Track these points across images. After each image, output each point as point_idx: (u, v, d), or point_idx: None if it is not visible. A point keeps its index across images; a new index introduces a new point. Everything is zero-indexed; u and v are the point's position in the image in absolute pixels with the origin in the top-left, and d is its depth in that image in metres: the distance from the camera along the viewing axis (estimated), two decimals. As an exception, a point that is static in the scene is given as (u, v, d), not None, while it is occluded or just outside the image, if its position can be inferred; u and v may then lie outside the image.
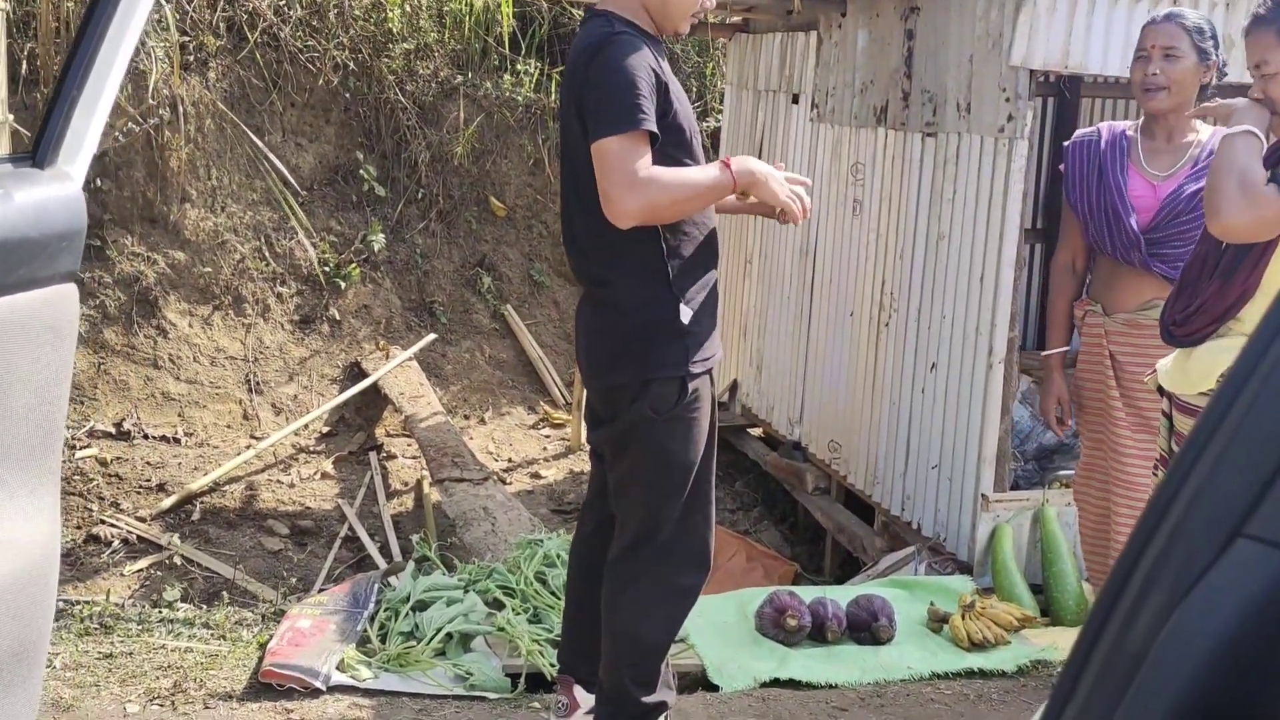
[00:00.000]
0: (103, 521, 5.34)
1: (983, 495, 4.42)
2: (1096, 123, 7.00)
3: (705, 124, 7.93)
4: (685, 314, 2.79)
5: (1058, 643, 3.98)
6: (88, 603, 4.24)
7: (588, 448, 3.35)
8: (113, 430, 6.01)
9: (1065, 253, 3.78)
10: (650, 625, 2.97)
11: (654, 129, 2.66)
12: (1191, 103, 3.31)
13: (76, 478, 5.59)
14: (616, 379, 2.88)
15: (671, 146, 2.79)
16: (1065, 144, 3.55)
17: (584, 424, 3.29)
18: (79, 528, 5.30)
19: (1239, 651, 0.61)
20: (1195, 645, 0.61)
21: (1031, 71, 4.24)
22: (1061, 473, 5.06)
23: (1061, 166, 3.67)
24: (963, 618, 3.97)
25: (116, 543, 5.22)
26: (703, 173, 2.76)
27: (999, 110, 4.33)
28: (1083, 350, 3.77)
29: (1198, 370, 2.80)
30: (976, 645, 3.90)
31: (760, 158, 6.27)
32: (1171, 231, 3.28)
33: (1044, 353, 3.88)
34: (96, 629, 3.88)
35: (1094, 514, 3.75)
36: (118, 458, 5.83)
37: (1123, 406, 3.57)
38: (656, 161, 2.71)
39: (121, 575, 5.01)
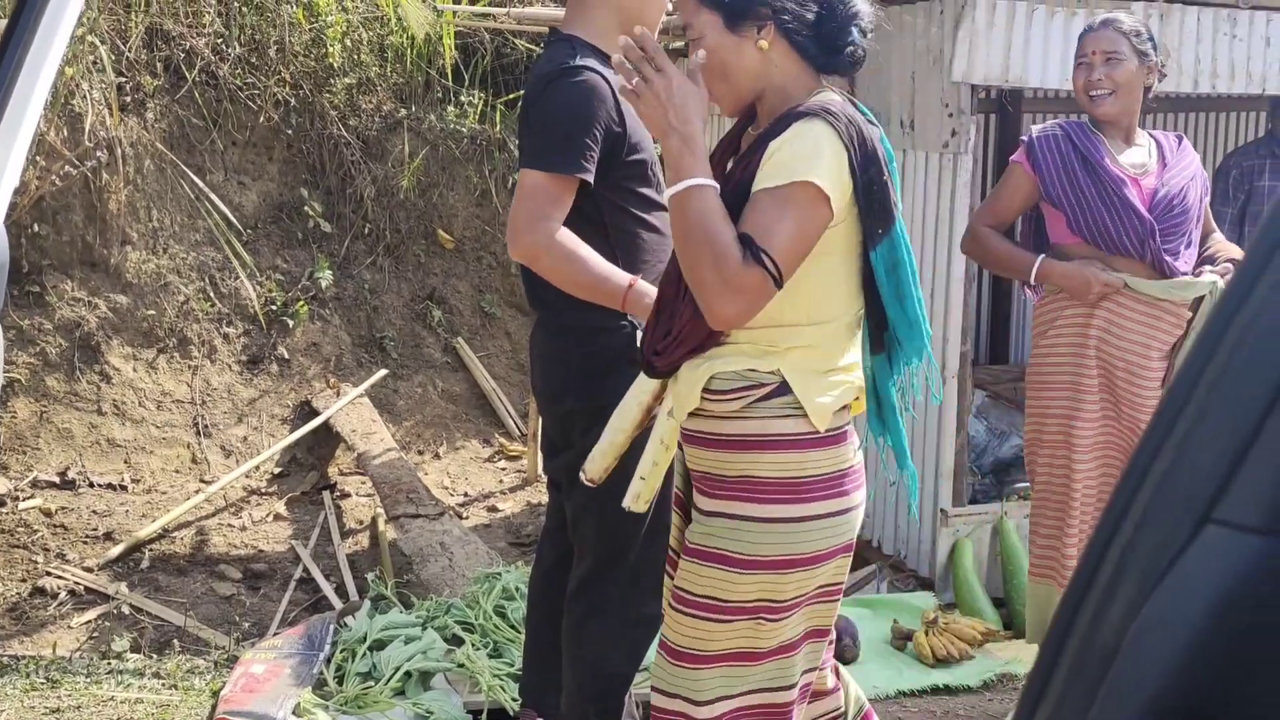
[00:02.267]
0: (48, 573, 5.21)
1: (941, 511, 4.41)
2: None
3: (656, 147, 7.93)
4: (639, 339, 2.76)
5: (1022, 655, 3.96)
6: (33, 658, 4.12)
7: (545, 479, 3.31)
8: (57, 480, 5.88)
9: (986, 218, 3.62)
10: (612, 655, 2.92)
11: (588, 178, 2.63)
12: (1138, 106, 3.35)
13: (20, 529, 5.46)
14: (570, 404, 2.84)
15: (631, 181, 2.77)
16: (1025, 137, 3.54)
17: (541, 454, 3.25)
18: (24, 580, 5.17)
19: (1214, 641, 0.58)
20: (1169, 637, 0.58)
21: (973, 87, 4.26)
22: (1019, 485, 5.06)
23: (1017, 159, 3.53)
24: (926, 634, 3.95)
25: (63, 594, 5.09)
26: (605, 271, 2.65)
27: (942, 126, 4.35)
28: (1057, 342, 3.54)
29: (682, 394, 2.29)
30: (941, 661, 3.89)
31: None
32: (1168, 225, 3.30)
33: (1036, 269, 3.45)
34: (43, 683, 3.78)
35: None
36: (63, 507, 5.70)
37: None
38: (613, 197, 2.69)
39: (69, 628, 4.89)
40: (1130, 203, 3.29)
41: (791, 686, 2.29)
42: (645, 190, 2.82)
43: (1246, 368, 0.60)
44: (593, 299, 2.68)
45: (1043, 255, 3.46)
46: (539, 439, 3.25)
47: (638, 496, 2.54)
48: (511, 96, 7.88)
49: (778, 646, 2.25)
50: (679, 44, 6.43)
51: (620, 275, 2.68)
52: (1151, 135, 3.48)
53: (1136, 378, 3.37)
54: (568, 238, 2.63)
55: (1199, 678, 0.59)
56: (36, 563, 5.30)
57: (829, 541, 2.22)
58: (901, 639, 4.02)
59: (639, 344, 2.72)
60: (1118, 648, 0.59)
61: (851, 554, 2.33)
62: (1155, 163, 3.37)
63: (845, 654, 3.85)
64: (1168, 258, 3.31)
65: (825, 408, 2.21)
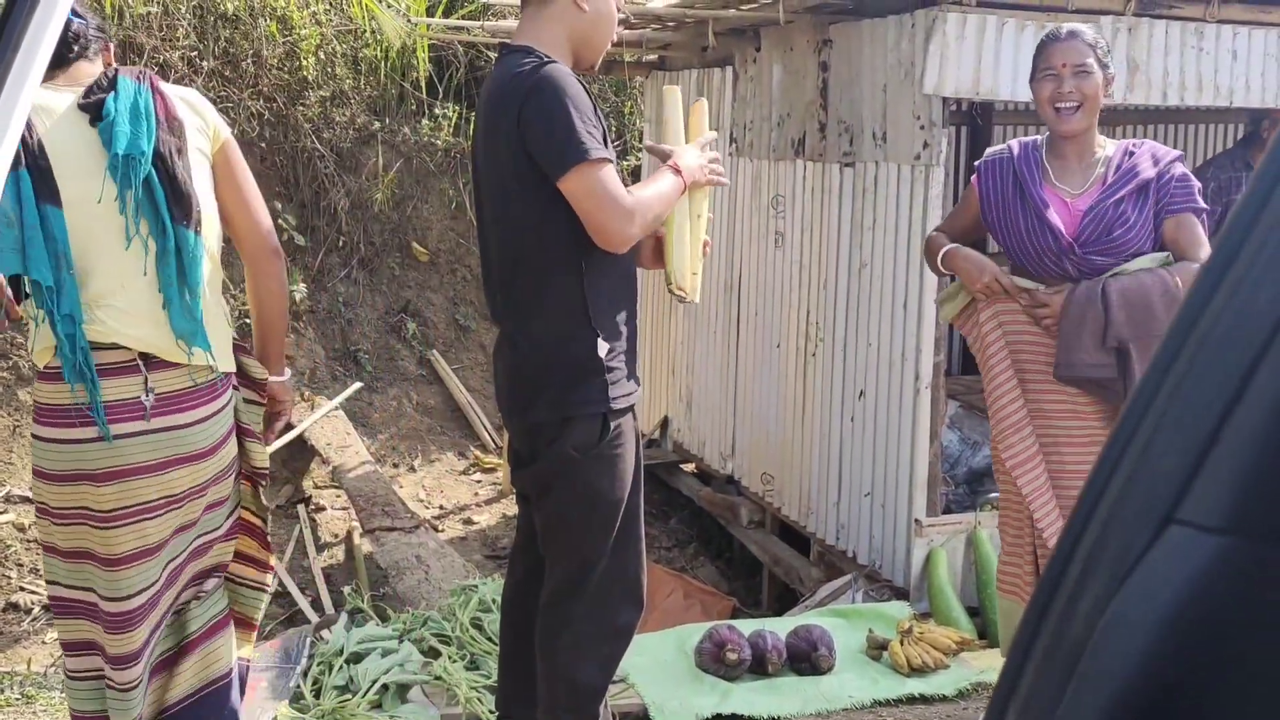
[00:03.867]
0: (22, 588, 5.18)
1: (916, 521, 4.44)
2: (1009, 149, 7.14)
3: (625, 163, 7.96)
4: (603, 348, 2.77)
5: (997, 664, 3.98)
6: (7, 673, 4.09)
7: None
8: (30, 494, 5.84)
9: (940, 230, 3.65)
10: (586, 667, 2.93)
11: (606, 155, 2.67)
12: (1096, 119, 3.34)
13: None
14: (535, 417, 2.84)
15: None
16: (977, 163, 3.55)
17: (509, 466, 3.25)
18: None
19: (1177, 637, 0.60)
20: (1134, 633, 0.60)
21: (944, 99, 4.30)
22: (992, 495, 5.09)
23: (973, 180, 3.57)
24: (901, 643, 3.97)
25: (37, 609, 5.06)
26: (665, 183, 2.79)
27: (914, 138, 4.39)
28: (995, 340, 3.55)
29: None
30: (916, 670, 3.90)
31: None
32: (1102, 245, 3.28)
33: (942, 254, 3.45)
34: (18, 699, 3.75)
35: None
36: (36, 522, 5.66)
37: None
38: None
39: (43, 643, 4.86)
40: (1048, 223, 3.29)
41: (118, 599, 2.61)
42: None
43: (1206, 372, 0.62)
44: (667, 210, 2.82)
45: (955, 244, 3.47)
46: (508, 451, 3.25)
47: (698, 289, 2.92)
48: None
49: (70, 550, 2.65)
50: (651, 57, 6.48)
51: (669, 174, 2.80)
52: (1116, 146, 3.42)
53: (1043, 384, 3.34)
54: (637, 199, 2.69)
55: (1164, 673, 0.60)
56: (10, 578, 5.27)
57: (58, 465, 2.56)
58: (877, 648, 4.03)
59: (600, 353, 2.75)
60: (1086, 644, 0.61)
61: (105, 484, 2.60)
62: (1095, 184, 3.32)
63: (821, 663, 3.86)
64: (1086, 275, 3.30)
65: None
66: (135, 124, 2.59)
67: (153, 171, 2.59)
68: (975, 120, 6.81)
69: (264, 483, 2.93)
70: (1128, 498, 0.63)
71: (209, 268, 2.70)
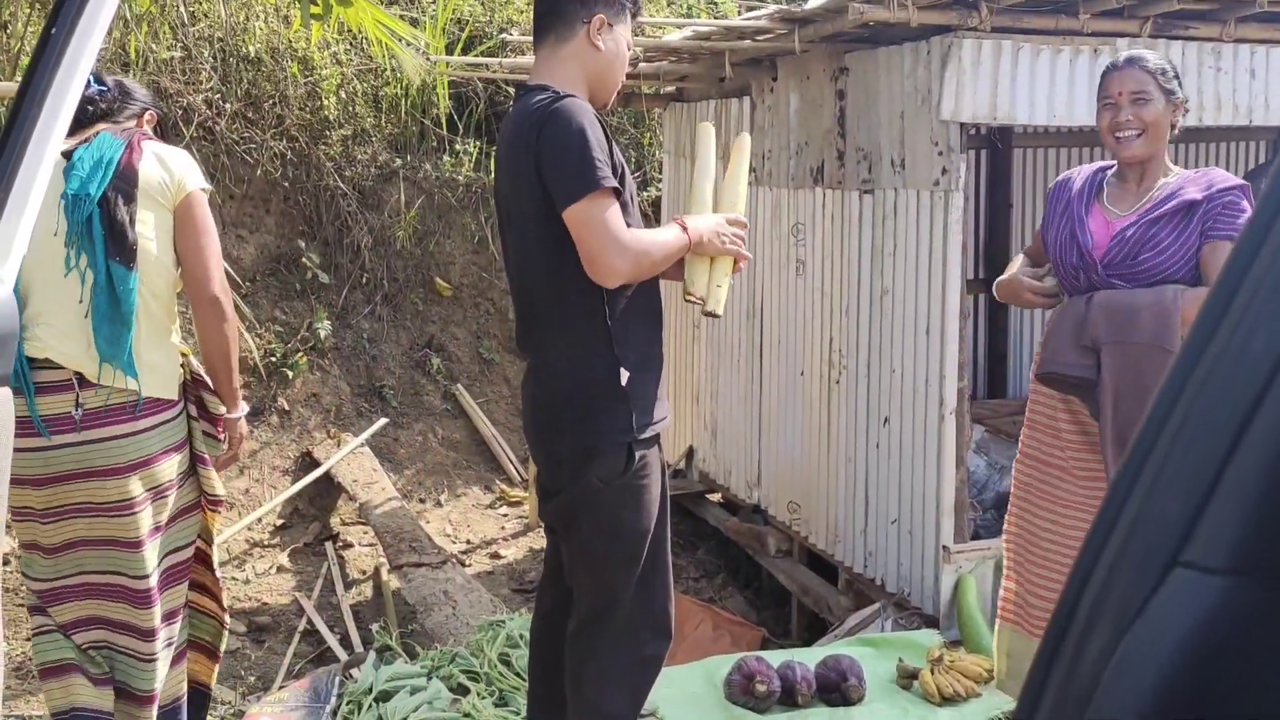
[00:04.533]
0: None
1: (944, 547, 4.41)
2: (1030, 172, 7.15)
3: (645, 193, 7.99)
4: (626, 378, 2.78)
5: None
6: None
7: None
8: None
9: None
10: (614, 698, 2.92)
11: (615, 185, 2.69)
12: (1164, 145, 3.31)
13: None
14: (559, 448, 2.85)
15: (620, 209, 2.81)
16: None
17: (536, 498, 3.26)
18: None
19: (1185, 680, 0.60)
20: (1142, 677, 0.60)
21: (962, 125, 4.31)
22: (1020, 519, 5.07)
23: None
24: (932, 672, 3.94)
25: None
26: (669, 233, 2.82)
27: (933, 164, 4.39)
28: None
29: None
30: (948, 699, 3.87)
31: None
32: (1126, 269, 3.27)
33: (995, 285, 3.59)
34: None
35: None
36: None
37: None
38: None
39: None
40: (1076, 238, 3.29)
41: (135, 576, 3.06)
42: (629, 219, 2.87)
43: (1207, 414, 0.62)
44: (674, 259, 2.85)
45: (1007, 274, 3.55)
46: (535, 483, 3.27)
47: (720, 302, 2.94)
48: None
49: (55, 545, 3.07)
50: (669, 89, 6.51)
51: (675, 230, 2.83)
52: (1183, 173, 3.35)
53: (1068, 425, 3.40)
54: (635, 239, 2.71)
55: (1174, 714, 0.60)
56: (40, 621, 5.29)
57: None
58: (907, 678, 4.01)
59: (624, 383, 2.76)
60: (1096, 686, 0.61)
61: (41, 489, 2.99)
62: (1144, 205, 3.30)
63: (851, 694, 3.84)
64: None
65: None
66: (93, 171, 2.97)
67: (96, 212, 2.94)
68: (994, 144, 6.81)
69: (218, 510, 3.32)
70: (1132, 542, 0.63)
71: (153, 305, 3.04)
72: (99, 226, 2.94)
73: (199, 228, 3.13)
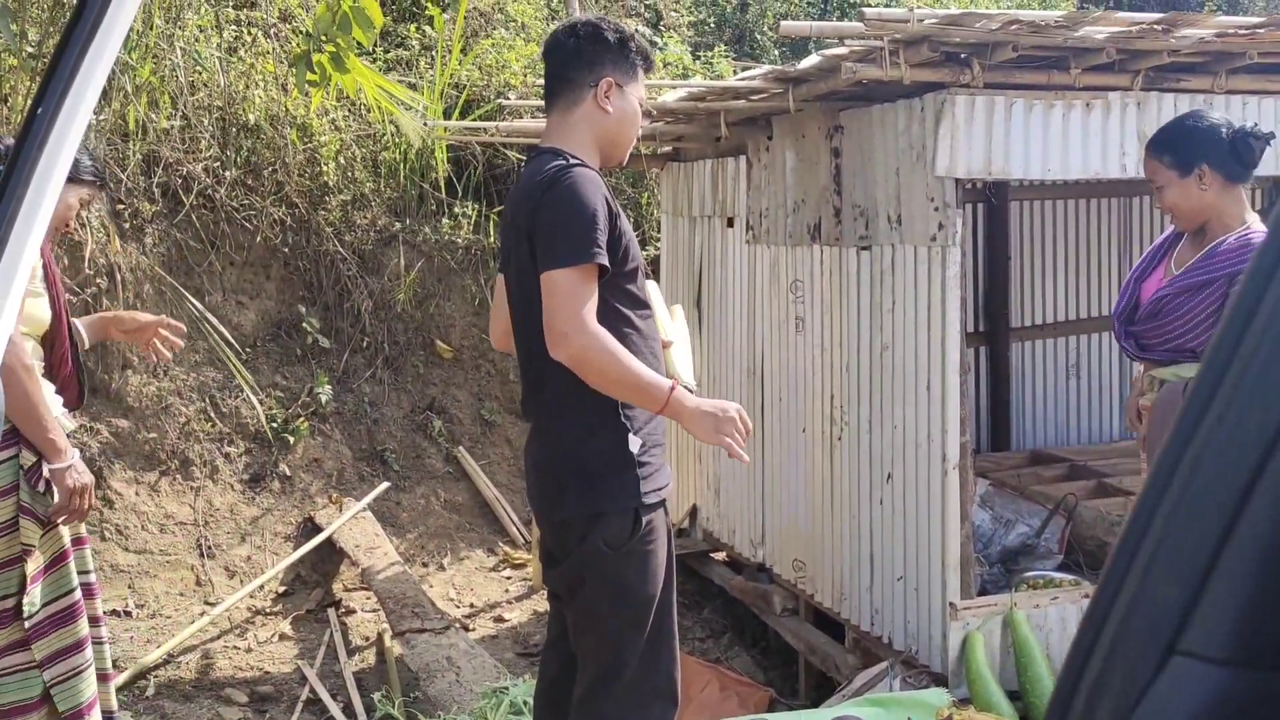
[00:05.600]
0: (53, 704, 5.15)
1: (950, 604, 4.37)
2: (1027, 224, 7.17)
3: (645, 252, 8.01)
4: (634, 444, 2.77)
5: (1040, 750, 3.90)
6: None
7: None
8: None
9: None
10: None
11: (605, 263, 2.68)
12: (1208, 206, 3.34)
13: None
14: (565, 513, 2.84)
15: (625, 279, 2.81)
16: None
17: (540, 564, 3.23)
18: None
19: None
20: (1144, 770, 0.58)
21: (957, 180, 4.32)
22: (1028, 574, 5.02)
23: None
24: (942, 732, 3.89)
25: None
26: (647, 373, 2.70)
27: (929, 220, 4.40)
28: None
29: None
30: (958, 760, 3.82)
31: (699, 282, 6.34)
32: (1146, 330, 3.29)
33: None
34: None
35: None
36: None
37: None
38: (607, 294, 2.72)
39: None
40: (1126, 291, 3.32)
41: None
42: (633, 288, 2.87)
43: (1200, 498, 0.60)
44: (634, 398, 2.70)
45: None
46: (539, 549, 3.25)
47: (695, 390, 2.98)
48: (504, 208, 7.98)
49: None
50: (666, 149, 6.55)
51: (660, 377, 2.72)
52: (1240, 236, 3.36)
53: None
54: (604, 339, 2.65)
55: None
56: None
57: None
58: (917, 737, 3.95)
59: (631, 448, 2.74)
60: None
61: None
62: (1195, 261, 3.30)
63: (860, 756, 3.79)
64: (1141, 355, 3.31)
65: None
66: None
67: None
68: (990, 198, 6.84)
69: (25, 561, 3.35)
70: (1129, 628, 0.61)
71: None
72: None
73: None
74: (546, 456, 2.90)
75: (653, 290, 3.25)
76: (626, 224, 2.84)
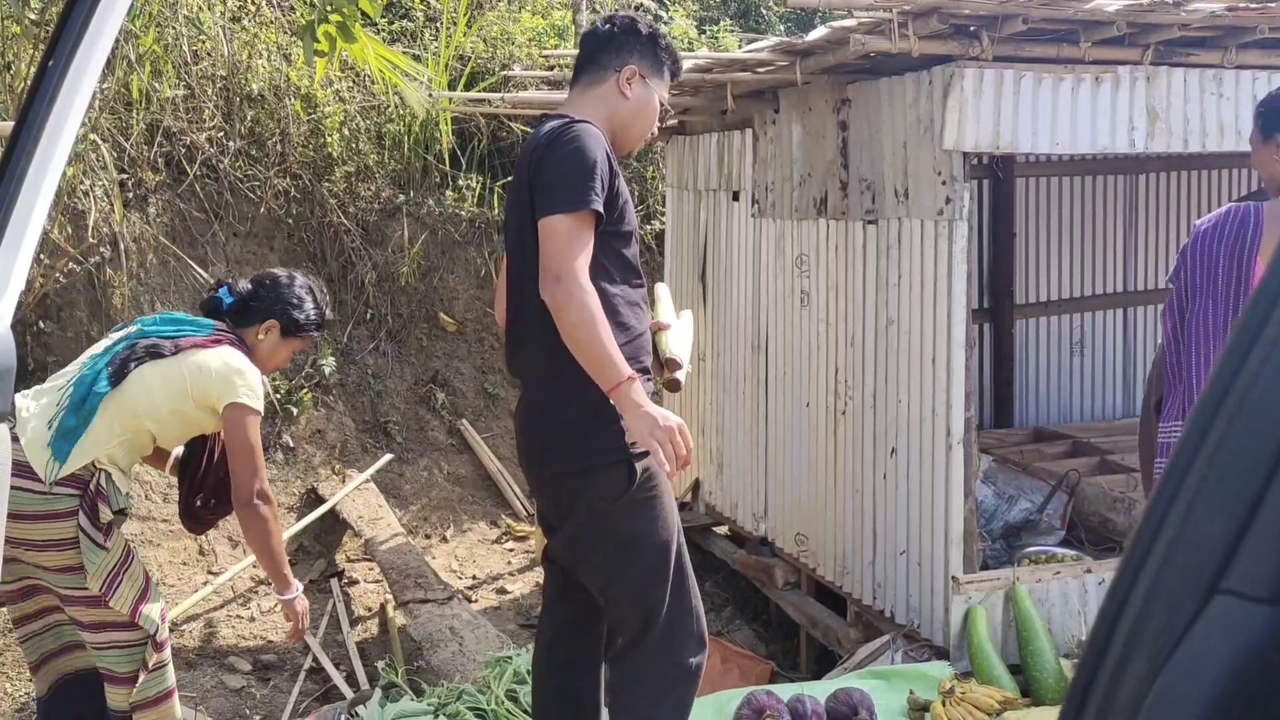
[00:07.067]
0: (57, 671, 5.16)
1: (953, 578, 4.38)
2: (1032, 201, 7.15)
3: (649, 227, 7.99)
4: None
5: (1042, 723, 3.91)
6: None
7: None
8: None
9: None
10: (661, 713, 2.92)
11: (600, 209, 2.69)
12: None
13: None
14: (552, 469, 2.85)
15: (615, 239, 2.81)
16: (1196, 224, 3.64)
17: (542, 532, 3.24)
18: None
19: (1229, 713, 0.57)
20: (1181, 714, 0.58)
21: (965, 154, 4.30)
22: (1029, 549, 5.03)
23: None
24: (943, 705, 3.90)
25: (72, 692, 5.04)
26: (614, 351, 2.66)
27: (936, 194, 4.39)
28: None
29: None
30: (960, 732, 3.83)
31: (704, 256, 6.33)
32: None
33: None
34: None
35: None
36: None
37: None
38: (596, 248, 2.72)
39: None
40: (1229, 275, 3.31)
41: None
42: (626, 254, 2.88)
43: (1245, 435, 0.60)
44: (591, 365, 2.66)
45: None
46: (537, 515, 3.27)
47: (689, 375, 3.03)
48: (510, 178, 7.95)
49: None
50: (671, 121, 6.52)
51: (623, 363, 2.67)
52: None
53: None
54: (595, 296, 2.66)
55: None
56: (44, 661, 5.25)
57: None
58: (918, 710, 3.96)
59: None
60: None
61: None
62: None
63: (863, 727, 3.80)
64: None
65: None
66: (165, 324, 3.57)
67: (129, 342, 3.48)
68: (997, 173, 6.82)
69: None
70: (1170, 569, 0.61)
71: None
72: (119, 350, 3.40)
73: (234, 440, 3.41)
74: (534, 414, 2.91)
75: (663, 293, 3.29)
76: (625, 187, 2.87)
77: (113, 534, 3.37)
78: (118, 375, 3.33)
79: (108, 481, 3.36)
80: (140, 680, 3.45)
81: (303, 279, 3.73)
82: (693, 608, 2.95)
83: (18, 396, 3.38)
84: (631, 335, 2.87)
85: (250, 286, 3.66)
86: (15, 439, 3.28)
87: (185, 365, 3.38)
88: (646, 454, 2.80)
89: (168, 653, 3.57)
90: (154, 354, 3.37)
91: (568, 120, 2.83)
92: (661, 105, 3.07)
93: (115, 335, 3.53)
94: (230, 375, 3.39)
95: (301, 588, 3.72)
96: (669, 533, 2.86)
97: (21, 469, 3.22)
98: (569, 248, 2.64)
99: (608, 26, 3.06)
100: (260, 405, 3.44)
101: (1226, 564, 0.59)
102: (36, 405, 3.39)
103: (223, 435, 3.48)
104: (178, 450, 3.76)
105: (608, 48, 3.02)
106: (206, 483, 3.70)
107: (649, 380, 2.93)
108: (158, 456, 3.79)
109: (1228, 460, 0.60)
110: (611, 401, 2.66)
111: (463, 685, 4.11)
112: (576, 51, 3.11)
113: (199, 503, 3.73)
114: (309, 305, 3.67)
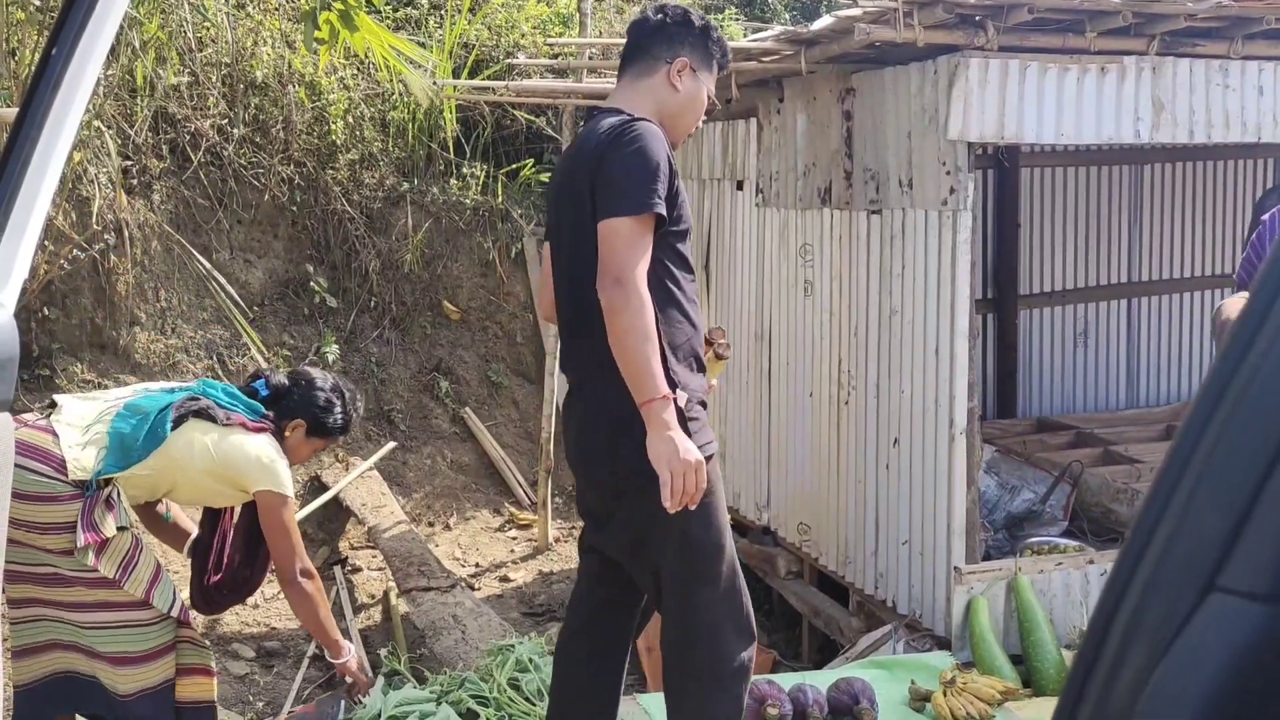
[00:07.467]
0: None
1: (955, 568, 4.38)
2: (1037, 191, 7.13)
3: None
4: (681, 398, 2.77)
5: (1042, 714, 3.91)
6: None
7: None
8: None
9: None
10: (719, 709, 2.94)
11: (663, 212, 2.70)
12: None
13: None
14: (623, 465, 2.82)
15: (673, 237, 2.83)
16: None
17: (584, 523, 3.22)
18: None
19: (1222, 711, 0.57)
20: (1177, 709, 0.58)
21: (969, 144, 4.30)
22: (1032, 540, 5.03)
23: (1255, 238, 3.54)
24: (945, 695, 3.91)
25: (76, 678, 5.06)
26: (656, 365, 2.66)
27: (941, 184, 4.38)
28: None
29: None
30: (961, 722, 3.84)
31: (708, 245, 6.32)
32: None
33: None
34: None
35: None
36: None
37: None
38: (655, 247, 2.72)
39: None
40: None
41: None
42: (683, 249, 2.88)
43: (1243, 431, 0.60)
44: (630, 374, 2.65)
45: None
46: (578, 508, 3.25)
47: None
48: (514, 167, 7.95)
49: None
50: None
51: (663, 379, 2.66)
52: None
53: None
54: (650, 305, 2.66)
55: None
56: (48, 647, 5.27)
57: None
58: (920, 700, 3.97)
59: (679, 402, 2.73)
60: (1129, 718, 0.59)
61: None
62: None
63: (863, 717, 3.80)
64: None
65: None
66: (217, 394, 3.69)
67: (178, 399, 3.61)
68: (1002, 163, 6.81)
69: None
70: (1167, 564, 0.61)
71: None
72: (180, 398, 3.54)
73: (270, 526, 3.61)
74: (594, 412, 2.89)
75: None
76: (682, 185, 2.87)
77: (102, 529, 3.40)
78: (176, 422, 3.47)
79: (118, 497, 3.42)
80: (170, 655, 3.52)
81: (335, 382, 3.89)
82: (742, 604, 2.97)
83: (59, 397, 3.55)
84: (696, 329, 2.91)
85: (286, 383, 3.80)
86: (51, 412, 3.44)
87: (228, 439, 3.52)
88: (710, 457, 2.80)
89: (196, 630, 3.65)
90: (208, 416, 3.52)
91: (628, 118, 2.81)
92: (709, 98, 3.06)
93: (174, 384, 3.75)
94: (264, 463, 3.56)
95: (353, 649, 3.87)
96: (722, 538, 2.89)
97: (27, 450, 3.23)
98: (630, 250, 2.65)
99: (659, 16, 3.03)
100: (290, 493, 3.63)
101: (1223, 561, 0.59)
102: (81, 404, 3.51)
103: (259, 519, 3.67)
104: (194, 532, 3.90)
105: (658, 38, 3.00)
106: (220, 566, 3.84)
107: (700, 374, 2.94)
108: (175, 535, 3.93)
109: (1227, 453, 0.60)
110: (641, 414, 2.66)
111: (465, 673, 4.13)
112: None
113: (210, 582, 3.84)
114: (337, 410, 3.83)
